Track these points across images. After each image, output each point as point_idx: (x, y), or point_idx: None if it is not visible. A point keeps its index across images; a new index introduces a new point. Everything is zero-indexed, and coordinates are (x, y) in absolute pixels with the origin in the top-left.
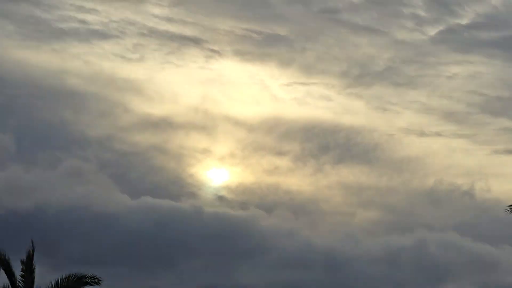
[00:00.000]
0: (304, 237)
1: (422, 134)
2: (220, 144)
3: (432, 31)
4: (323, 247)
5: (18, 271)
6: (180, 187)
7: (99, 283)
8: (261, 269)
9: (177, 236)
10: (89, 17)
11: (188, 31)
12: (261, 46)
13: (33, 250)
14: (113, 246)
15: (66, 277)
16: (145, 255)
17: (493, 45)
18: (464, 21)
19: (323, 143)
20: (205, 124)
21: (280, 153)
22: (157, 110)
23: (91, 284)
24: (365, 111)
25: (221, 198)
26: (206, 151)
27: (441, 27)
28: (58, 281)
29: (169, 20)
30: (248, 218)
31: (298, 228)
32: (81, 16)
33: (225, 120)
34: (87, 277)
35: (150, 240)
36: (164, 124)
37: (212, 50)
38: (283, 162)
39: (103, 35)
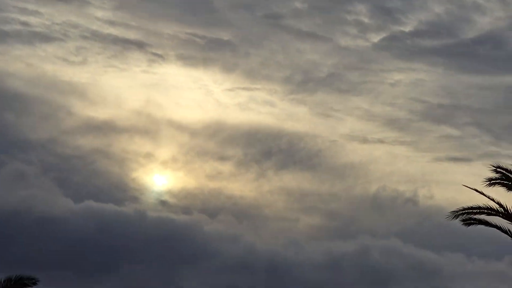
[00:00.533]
0: (247, 242)
1: (364, 140)
2: (163, 149)
3: (376, 38)
4: (266, 252)
5: None
6: (123, 192)
7: (36, 283)
8: (204, 274)
9: (120, 241)
10: (32, 20)
11: (131, 35)
12: (205, 51)
13: None
14: (56, 249)
15: (6, 279)
16: (88, 259)
17: (436, 53)
18: (408, 29)
19: (266, 149)
20: (148, 128)
21: (222, 158)
22: (100, 113)
23: (29, 286)
24: (308, 117)
25: (163, 203)
26: (149, 155)
27: (384, 34)
28: None
29: (112, 23)
30: (191, 222)
31: (241, 233)
32: (23, 18)
33: (168, 124)
34: (25, 278)
35: (93, 244)
36: (107, 128)
37: (156, 54)
38: (226, 167)
39: (45, 37)
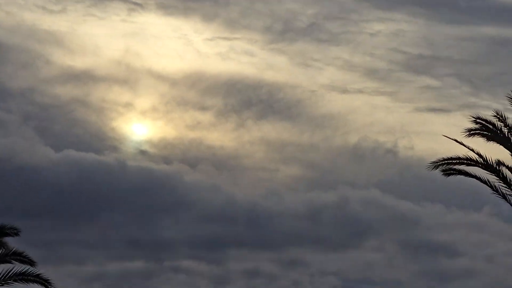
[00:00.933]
0: (227, 192)
1: (344, 91)
2: (142, 98)
3: None
4: (245, 203)
5: None
6: (102, 141)
7: (18, 234)
8: (184, 224)
9: (100, 190)
10: None
11: None
12: (185, 0)
13: None
14: (36, 198)
15: None
16: (68, 208)
17: (416, 3)
18: None
19: (246, 99)
20: (127, 78)
21: (202, 108)
22: (79, 62)
23: (10, 235)
24: (288, 67)
25: (143, 152)
26: (128, 105)
27: None
28: None
29: None
30: (171, 172)
31: (221, 183)
32: None
33: (148, 74)
34: (7, 228)
35: (73, 193)
36: (86, 77)
37: (135, 3)
38: (206, 117)
39: None
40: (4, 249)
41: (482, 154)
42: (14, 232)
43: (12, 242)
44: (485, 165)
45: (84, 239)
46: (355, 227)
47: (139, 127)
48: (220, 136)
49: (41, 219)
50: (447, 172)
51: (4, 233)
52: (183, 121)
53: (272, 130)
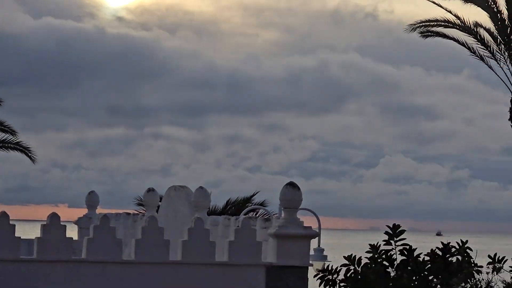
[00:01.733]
0: (207, 58)
1: None
2: None
3: None
4: (225, 68)
5: None
6: (80, 8)
7: (1, 104)
8: (164, 90)
9: (80, 57)
10: None
11: None
12: None
13: None
14: (15, 66)
15: None
16: (47, 76)
17: None
18: None
19: None
20: None
21: None
22: None
23: None
24: None
25: (120, 19)
26: None
27: None
28: None
29: None
30: (150, 39)
31: (201, 49)
32: None
33: None
34: None
35: (52, 61)
36: None
37: None
38: None
39: None
40: None
41: (460, 16)
42: None
43: None
44: (463, 27)
45: (64, 107)
46: (334, 91)
47: None
48: (197, 1)
49: (21, 87)
50: (425, 34)
51: None
52: None
53: None
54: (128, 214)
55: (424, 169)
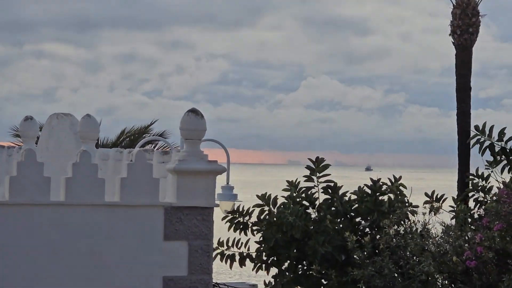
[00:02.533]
0: None
1: None
2: None
3: None
4: None
5: None
6: None
7: None
8: (48, 1)
9: None
10: None
11: None
12: None
13: None
14: None
15: None
16: None
17: None
18: None
19: None
20: None
21: None
22: None
23: None
24: None
25: None
26: None
27: None
28: None
29: None
30: None
31: None
32: None
33: None
34: None
35: None
36: None
37: None
38: None
39: None
40: None
41: None
42: None
43: None
44: None
45: None
46: (248, 2)
47: None
48: None
49: None
50: None
51: None
52: None
53: None
54: (3, 147)
55: (353, 93)
